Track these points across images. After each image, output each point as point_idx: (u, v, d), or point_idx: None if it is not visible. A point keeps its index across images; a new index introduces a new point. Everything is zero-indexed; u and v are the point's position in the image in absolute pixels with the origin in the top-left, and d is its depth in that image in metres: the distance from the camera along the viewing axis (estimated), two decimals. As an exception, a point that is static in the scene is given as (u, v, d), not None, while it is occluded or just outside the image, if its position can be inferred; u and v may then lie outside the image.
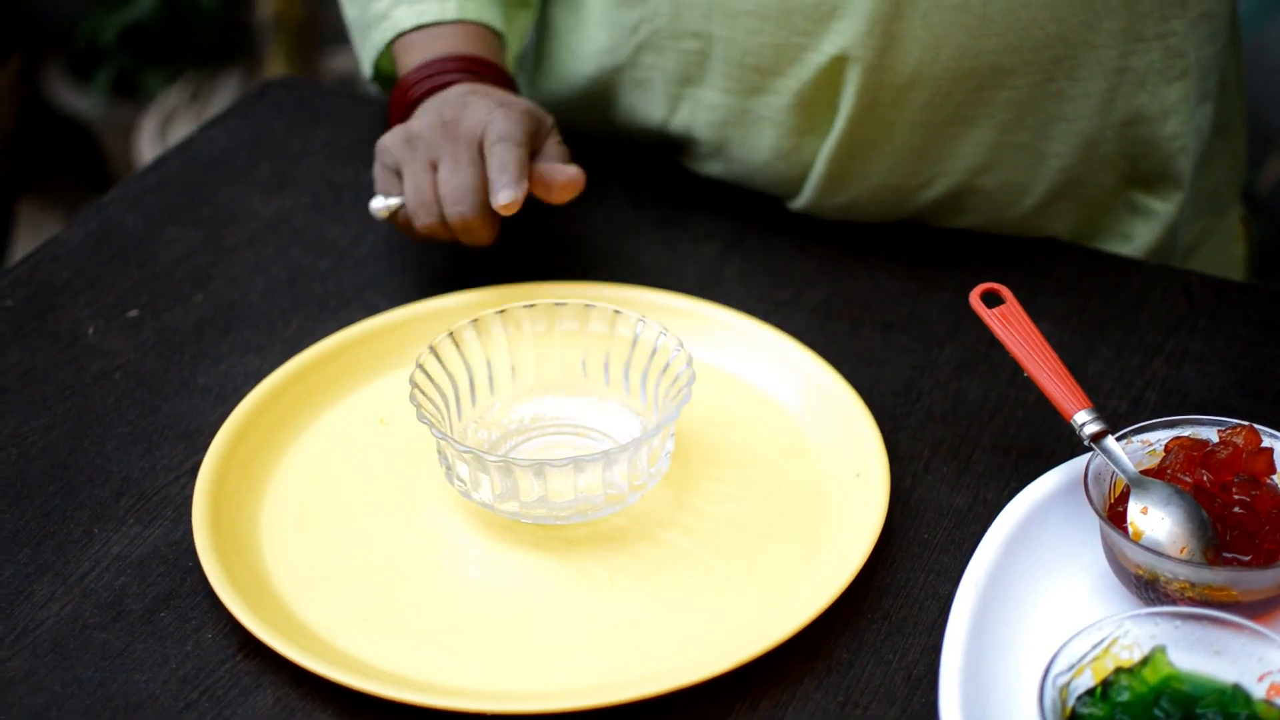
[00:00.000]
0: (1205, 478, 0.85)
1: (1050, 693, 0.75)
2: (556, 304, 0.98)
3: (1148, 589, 0.83)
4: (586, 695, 0.81)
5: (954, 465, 0.96)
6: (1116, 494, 0.87)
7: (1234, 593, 0.81)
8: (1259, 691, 0.76)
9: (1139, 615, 0.78)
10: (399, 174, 1.04)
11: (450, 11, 1.12)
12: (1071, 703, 0.76)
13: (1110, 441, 0.87)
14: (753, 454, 0.94)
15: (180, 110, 2.53)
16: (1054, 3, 1.04)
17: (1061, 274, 1.11)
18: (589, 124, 1.21)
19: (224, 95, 2.55)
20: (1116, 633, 0.78)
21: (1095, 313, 1.07)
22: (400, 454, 0.95)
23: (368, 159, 1.24)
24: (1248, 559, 0.83)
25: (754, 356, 1.00)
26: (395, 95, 1.12)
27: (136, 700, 0.83)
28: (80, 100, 2.65)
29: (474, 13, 1.13)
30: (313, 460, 0.94)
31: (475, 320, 0.97)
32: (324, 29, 2.63)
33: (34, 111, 2.63)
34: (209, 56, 2.63)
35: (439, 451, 0.92)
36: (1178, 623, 0.78)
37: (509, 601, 0.87)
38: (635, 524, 0.90)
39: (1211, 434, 0.88)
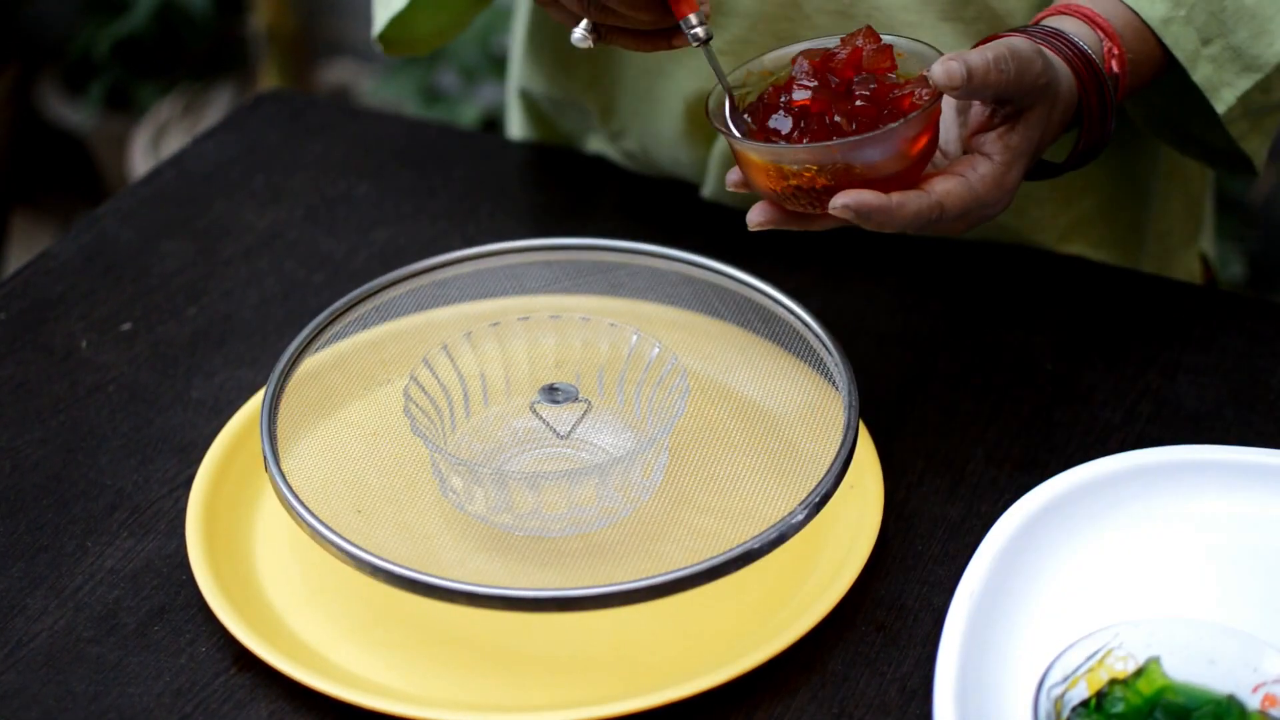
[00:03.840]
0: (832, 82, 0.87)
1: (1045, 704, 0.75)
2: (551, 317, 0.98)
3: (782, 197, 0.86)
4: (580, 708, 0.81)
5: (948, 477, 0.96)
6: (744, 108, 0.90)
7: (858, 168, 0.84)
8: (1253, 703, 0.76)
9: (1135, 624, 0.78)
10: None
11: None
12: (1066, 714, 0.76)
13: (710, 50, 0.90)
14: (746, 466, 0.94)
15: (173, 123, 2.53)
16: (935, 26, 1.04)
17: (1055, 284, 1.11)
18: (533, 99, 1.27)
19: (217, 108, 2.56)
20: (1111, 644, 0.78)
21: (1089, 324, 1.07)
22: (394, 467, 0.94)
23: (362, 171, 1.24)
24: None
25: (747, 369, 1.00)
26: None
27: (130, 714, 0.83)
28: (73, 113, 2.65)
29: None
30: (306, 472, 0.94)
31: (469, 333, 0.97)
32: (317, 41, 2.64)
33: (27, 124, 2.63)
34: (202, 69, 2.63)
35: (433, 464, 0.92)
36: (1173, 632, 0.78)
37: (503, 614, 0.87)
38: (629, 536, 0.90)
39: (834, 43, 0.90)
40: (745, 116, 0.89)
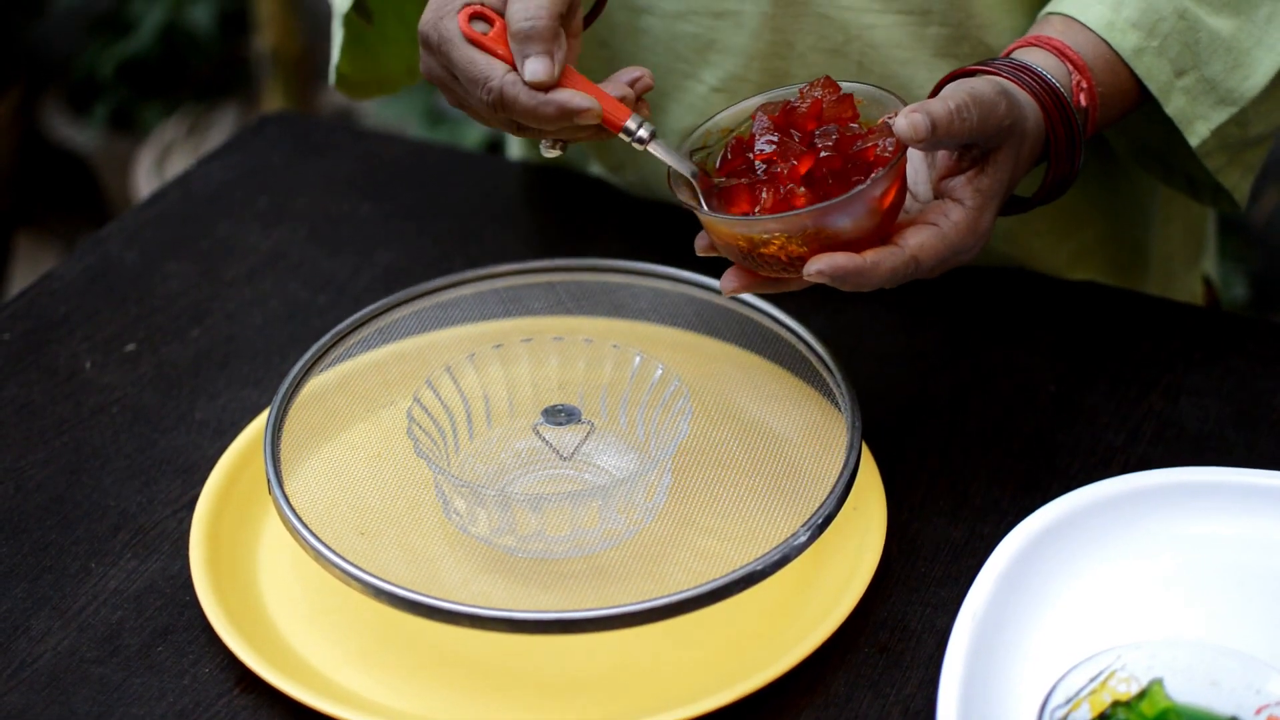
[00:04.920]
0: (794, 135, 0.87)
1: (1048, 727, 0.75)
2: (554, 339, 0.99)
3: (753, 262, 0.86)
4: (584, 730, 0.81)
5: (951, 498, 0.96)
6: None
7: (829, 232, 0.83)
8: (1256, 725, 0.77)
9: (1137, 646, 0.78)
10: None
11: None
12: (1069, 737, 0.76)
13: (658, 145, 0.89)
14: (749, 487, 0.94)
15: (178, 144, 2.53)
16: (929, 63, 1.05)
17: (1057, 306, 1.11)
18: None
19: (221, 129, 2.56)
20: (1114, 665, 0.78)
21: (1092, 346, 1.08)
22: (397, 488, 0.95)
23: (365, 193, 1.24)
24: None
25: (750, 390, 1.00)
26: None
27: (133, 735, 0.83)
28: (78, 134, 2.65)
29: None
30: (310, 494, 0.94)
31: (473, 354, 0.97)
32: (321, 63, 2.64)
33: (32, 145, 2.64)
34: (206, 90, 2.64)
35: (436, 486, 0.92)
36: (1176, 654, 0.78)
37: (506, 636, 0.87)
38: (632, 558, 0.90)
39: (792, 94, 0.89)
40: (716, 184, 0.88)
